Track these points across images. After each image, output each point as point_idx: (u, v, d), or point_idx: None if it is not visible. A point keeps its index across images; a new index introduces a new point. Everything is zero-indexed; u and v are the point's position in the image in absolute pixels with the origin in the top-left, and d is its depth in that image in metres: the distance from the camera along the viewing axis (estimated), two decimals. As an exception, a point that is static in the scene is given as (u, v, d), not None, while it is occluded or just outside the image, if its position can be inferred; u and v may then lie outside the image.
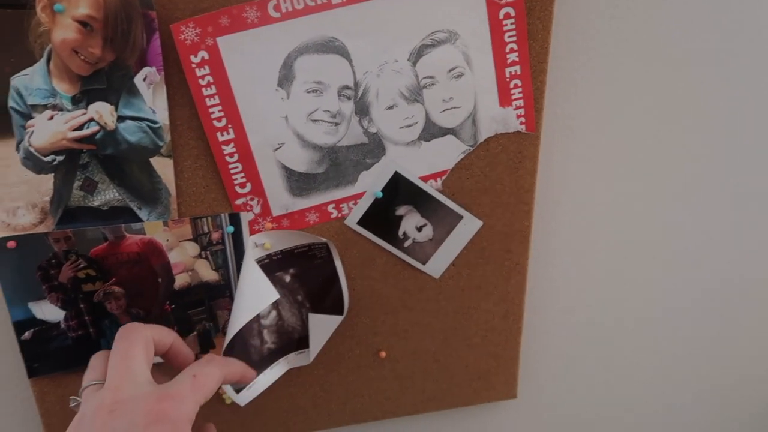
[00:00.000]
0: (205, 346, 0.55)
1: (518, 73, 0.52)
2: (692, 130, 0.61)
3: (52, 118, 0.45)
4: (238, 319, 0.50)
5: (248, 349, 0.54)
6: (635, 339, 0.71)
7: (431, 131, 0.52)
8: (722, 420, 0.81)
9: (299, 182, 0.52)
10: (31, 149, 0.46)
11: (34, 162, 0.46)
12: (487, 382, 0.65)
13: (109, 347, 0.53)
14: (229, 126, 0.48)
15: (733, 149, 0.63)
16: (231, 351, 0.52)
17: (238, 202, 0.51)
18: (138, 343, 0.40)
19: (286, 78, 0.48)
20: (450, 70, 0.50)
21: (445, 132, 0.53)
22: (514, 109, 0.53)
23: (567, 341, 0.69)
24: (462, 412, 0.70)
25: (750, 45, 0.58)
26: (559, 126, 0.58)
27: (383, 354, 0.61)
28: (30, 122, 0.45)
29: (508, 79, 0.52)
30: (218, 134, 0.48)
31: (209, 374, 0.41)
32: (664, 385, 0.75)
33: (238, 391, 0.53)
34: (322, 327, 0.54)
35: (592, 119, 0.59)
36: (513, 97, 0.53)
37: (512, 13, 0.49)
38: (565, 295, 0.67)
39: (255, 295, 0.51)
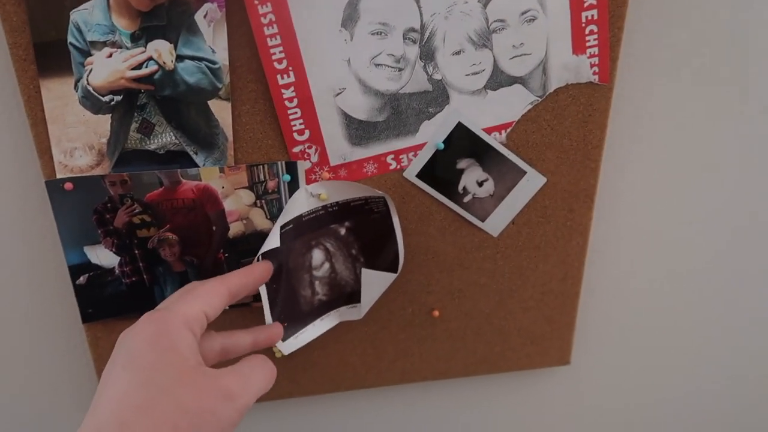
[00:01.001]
0: (256, 295, 0.54)
1: (595, 17, 0.48)
2: (775, 86, 0.57)
3: (110, 55, 0.44)
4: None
5: (297, 299, 0.53)
6: (697, 310, 0.68)
7: (498, 79, 0.50)
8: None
9: (359, 130, 0.50)
10: (90, 88, 0.45)
11: (92, 102, 0.45)
12: (540, 346, 0.63)
13: (162, 295, 0.53)
14: (290, 68, 0.46)
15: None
16: (279, 301, 0.51)
17: (296, 149, 0.50)
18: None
19: (350, 18, 0.46)
20: (522, 14, 0.47)
21: (512, 81, 0.50)
22: (588, 58, 0.50)
23: (625, 308, 0.67)
24: (512, 376, 0.68)
25: None
26: (633, 78, 0.55)
27: (436, 313, 0.59)
28: (89, 59, 0.44)
29: (583, 24, 0.48)
30: (278, 77, 0.46)
31: (210, 285, 0.41)
32: (725, 360, 0.72)
33: (284, 340, 0.52)
34: (375, 283, 0.53)
35: (669, 72, 0.55)
36: (587, 44, 0.49)
37: (592, -49, 0.46)
38: (626, 260, 0.64)
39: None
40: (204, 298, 0.40)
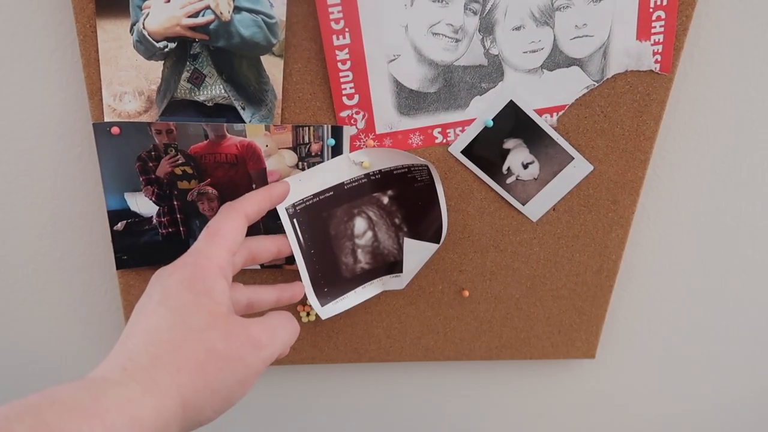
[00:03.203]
0: (290, 257, 0.54)
1: (664, 3, 0.47)
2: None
3: (169, 1, 0.43)
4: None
5: (338, 265, 0.52)
6: (732, 318, 0.67)
7: (556, 60, 0.48)
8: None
9: (408, 100, 0.49)
10: (145, 32, 0.44)
11: (146, 46, 0.45)
12: (567, 337, 0.63)
13: (197, 248, 0.53)
14: (346, 29, 0.45)
15: None
16: (319, 266, 0.51)
17: (343, 114, 0.49)
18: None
19: (412, -17, 0.44)
20: (589, -7, 0.46)
21: (570, 62, 0.49)
22: (652, 45, 0.48)
23: (657, 309, 0.65)
24: (534, 364, 0.67)
25: None
26: (694, 71, 0.53)
27: (466, 293, 0.58)
28: (147, 2, 0.43)
29: (651, 9, 0.47)
30: (334, 37, 0.45)
31: (231, 223, 0.42)
32: (755, 363, 0.71)
33: (323, 305, 0.52)
34: (417, 253, 0.52)
35: (733, 69, 0.53)
36: (653, 30, 0.48)
37: (670, -67, 0.44)
38: (665, 259, 0.62)
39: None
40: (229, 236, 0.41)
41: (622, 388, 0.71)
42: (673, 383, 0.71)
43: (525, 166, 0.53)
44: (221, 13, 0.44)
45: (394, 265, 0.54)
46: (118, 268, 0.53)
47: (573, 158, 0.53)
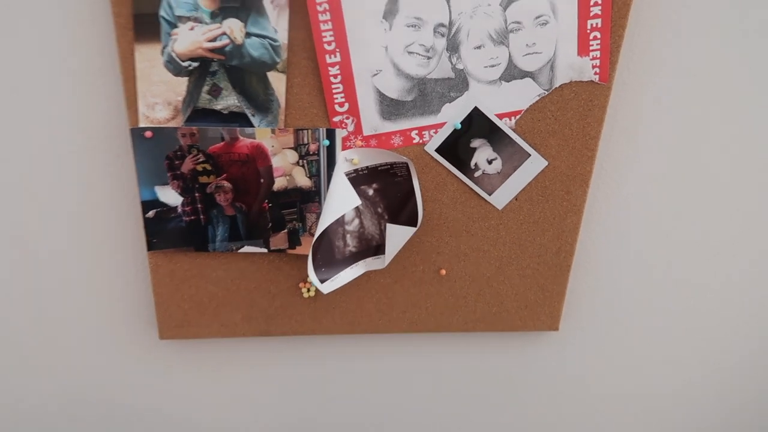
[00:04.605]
0: (293, 242, 0.64)
1: (599, 25, 0.57)
2: None
3: (192, 29, 0.54)
4: (326, 219, 0.58)
5: (332, 249, 0.62)
6: (680, 289, 0.76)
7: (512, 73, 0.58)
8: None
9: (390, 107, 0.59)
10: (173, 54, 0.54)
11: (173, 66, 0.55)
12: (533, 311, 0.72)
13: (214, 234, 0.63)
14: (337, 50, 0.56)
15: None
16: (318, 248, 0.61)
17: (336, 119, 0.59)
18: None
19: (390, 11, 0.55)
20: (536, 18, 0.56)
21: (524, 75, 0.59)
22: (591, 60, 0.58)
23: (612, 285, 0.75)
24: (505, 336, 0.77)
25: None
26: (631, 80, 0.63)
27: (443, 272, 0.68)
28: (175, 30, 0.54)
29: (588, 31, 0.57)
30: (327, 56, 0.56)
31: None
32: (701, 338, 0.80)
33: (322, 282, 0.61)
34: (397, 236, 0.62)
35: (664, 77, 0.63)
36: (591, 48, 0.58)
37: (600, -31, 0.54)
38: (615, 239, 0.72)
39: (341, 200, 0.59)
40: None
41: (584, 356, 0.81)
42: (627, 351, 0.81)
43: (489, 162, 0.63)
44: (235, 38, 0.54)
45: (377, 248, 0.64)
46: (149, 250, 0.63)
47: (530, 155, 0.62)
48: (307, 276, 0.66)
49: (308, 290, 0.67)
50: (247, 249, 0.64)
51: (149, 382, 0.76)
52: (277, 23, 0.54)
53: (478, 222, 0.66)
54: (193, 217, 0.62)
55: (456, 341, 0.77)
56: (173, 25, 0.54)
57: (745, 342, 0.81)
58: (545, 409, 0.85)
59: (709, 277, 0.75)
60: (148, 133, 0.57)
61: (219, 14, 0.54)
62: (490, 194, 0.64)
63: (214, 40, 0.54)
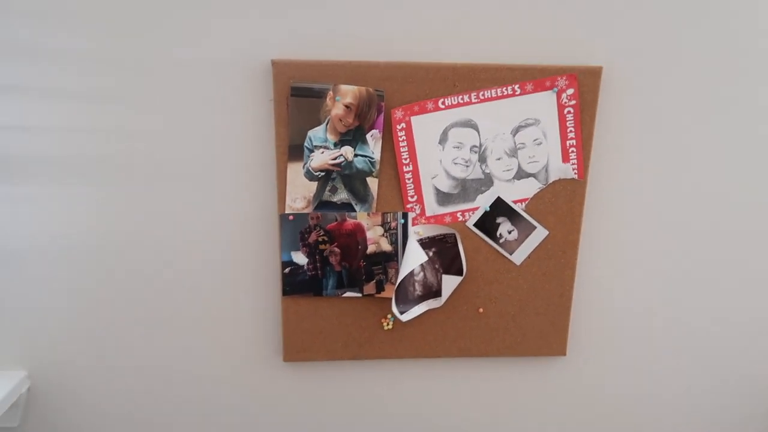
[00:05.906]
0: (379, 289, 0.94)
1: (574, 143, 0.90)
2: (714, 180, 0.96)
3: (323, 152, 0.88)
4: (403, 271, 0.89)
5: (407, 292, 0.93)
6: (664, 323, 1.04)
7: (521, 174, 0.91)
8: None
9: (443, 198, 0.92)
10: (310, 168, 0.88)
11: (310, 175, 0.89)
12: (545, 340, 1.00)
13: (327, 284, 0.94)
14: (410, 162, 0.89)
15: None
16: (398, 292, 0.91)
17: (408, 206, 0.91)
18: None
19: (442, 139, 0.89)
20: (534, 140, 0.89)
21: (529, 175, 0.91)
22: (571, 165, 0.91)
23: (605, 318, 1.03)
24: (527, 360, 1.04)
25: None
26: (600, 176, 0.95)
27: (481, 310, 0.97)
28: (312, 154, 0.88)
29: (568, 147, 0.90)
30: (404, 167, 0.89)
31: None
32: (675, 345, 1.07)
33: (401, 314, 0.91)
34: (449, 283, 0.92)
35: (624, 172, 0.95)
36: (570, 157, 0.91)
37: (572, 111, 0.88)
38: (606, 287, 1.01)
39: (413, 259, 0.90)
40: None
41: (588, 377, 1.07)
42: (622, 369, 1.07)
43: (509, 233, 0.94)
44: (348, 158, 0.88)
45: (435, 293, 0.94)
46: (283, 295, 0.94)
47: (536, 227, 0.94)
48: (388, 313, 0.95)
49: (387, 324, 0.97)
50: (348, 294, 0.94)
51: (275, 392, 1.03)
52: (374, 148, 0.88)
53: (503, 274, 0.96)
54: (314, 273, 0.93)
55: (492, 365, 1.04)
56: (311, 150, 0.88)
57: (742, 361, 1.07)
58: (557, 412, 1.10)
59: (691, 315, 1.03)
60: (291, 217, 0.90)
61: (339, 143, 0.88)
62: (511, 254, 0.95)
63: (335, 159, 0.88)
